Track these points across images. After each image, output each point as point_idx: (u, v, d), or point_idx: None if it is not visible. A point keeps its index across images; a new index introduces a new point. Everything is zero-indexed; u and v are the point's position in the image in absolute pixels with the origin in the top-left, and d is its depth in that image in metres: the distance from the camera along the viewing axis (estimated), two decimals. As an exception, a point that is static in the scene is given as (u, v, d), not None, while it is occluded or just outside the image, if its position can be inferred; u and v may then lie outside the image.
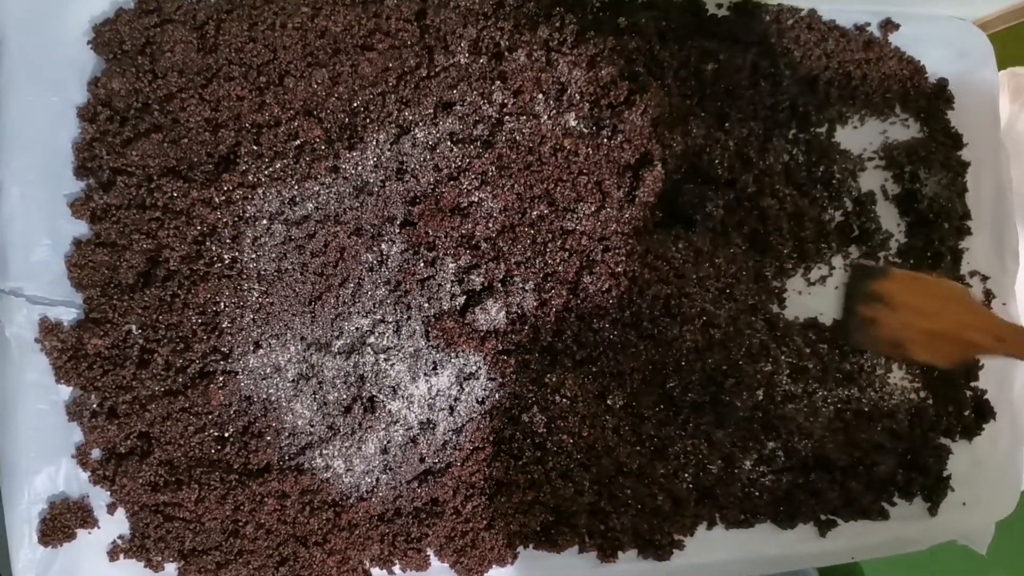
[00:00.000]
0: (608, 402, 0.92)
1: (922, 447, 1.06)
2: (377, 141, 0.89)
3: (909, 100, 1.15)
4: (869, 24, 1.14)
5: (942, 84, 1.17)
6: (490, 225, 0.90)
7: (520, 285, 0.90)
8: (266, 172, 0.86)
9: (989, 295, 1.15)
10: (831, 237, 1.08)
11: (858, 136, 1.13)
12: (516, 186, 0.91)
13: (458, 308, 0.89)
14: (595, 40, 0.97)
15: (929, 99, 1.16)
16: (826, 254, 1.08)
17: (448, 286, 0.89)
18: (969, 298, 0.87)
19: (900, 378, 1.08)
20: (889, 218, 1.12)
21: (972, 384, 1.12)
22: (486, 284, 0.90)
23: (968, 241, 1.14)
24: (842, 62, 1.10)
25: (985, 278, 1.15)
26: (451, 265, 0.89)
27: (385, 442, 0.87)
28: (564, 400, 0.91)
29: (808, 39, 1.09)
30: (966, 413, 1.11)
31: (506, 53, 0.93)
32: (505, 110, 0.92)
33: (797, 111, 1.07)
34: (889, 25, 1.14)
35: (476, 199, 0.90)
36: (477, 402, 0.90)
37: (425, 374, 0.88)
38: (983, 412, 1.12)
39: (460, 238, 0.90)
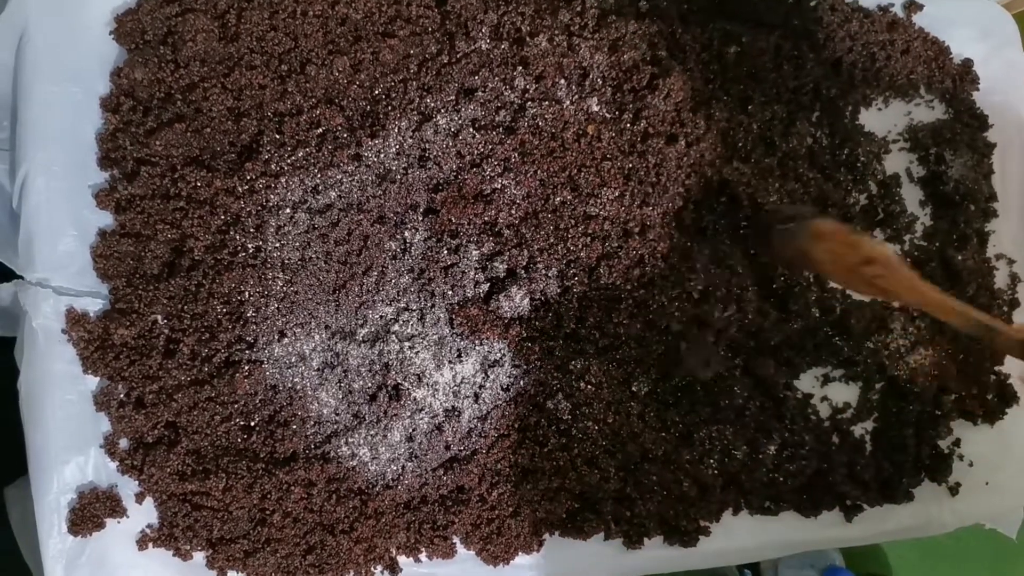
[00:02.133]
0: (633, 388, 0.92)
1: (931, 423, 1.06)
2: (399, 128, 0.88)
3: (934, 81, 1.14)
4: (893, 4, 1.13)
5: (967, 65, 1.15)
6: (513, 212, 0.90)
7: (543, 272, 0.90)
8: (289, 161, 0.86)
9: (1015, 279, 1.13)
10: (856, 220, 1.07)
11: (882, 118, 1.12)
12: (539, 172, 0.90)
13: (482, 295, 0.89)
14: (617, 24, 0.96)
15: (954, 80, 1.15)
16: (851, 238, 1.07)
17: (472, 273, 0.89)
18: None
19: (922, 357, 1.07)
20: (914, 200, 1.11)
21: (996, 368, 1.11)
22: (509, 271, 0.90)
23: (995, 223, 1.13)
24: (866, 44, 1.09)
25: (1012, 261, 1.14)
26: (474, 252, 0.89)
27: (410, 430, 0.87)
28: (589, 387, 0.90)
29: (831, 21, 1.07)
30: (989, 397, 1.10)
31: (527, 38, 0.92)
32: (527, 96, 0.92)
33: (821, 94, 1.06)
34: (913, 5, 1.13)
35: (499, 186, 0.90)
36: (502, 389, 0.89)
37: (450, 361, 0.88)
38: (1006, 397, 1.11)
39: (483, 225, 0.90)
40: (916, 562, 1.55)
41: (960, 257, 1.08)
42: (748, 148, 1.01)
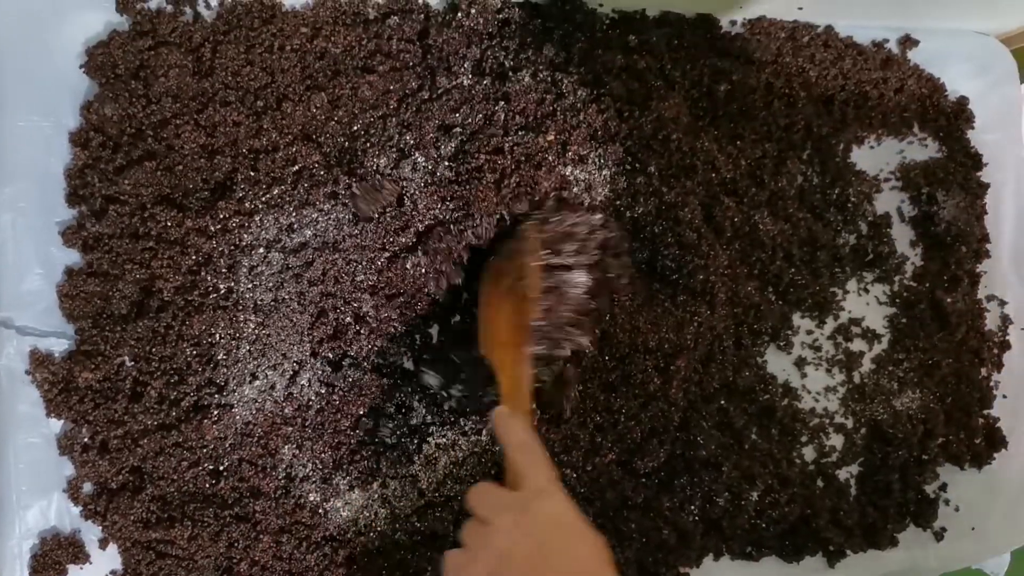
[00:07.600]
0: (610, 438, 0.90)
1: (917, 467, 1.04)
2: (377, 166, 0.86)
3: (928, 119, 1.12)
4: (887, 40, 1.10)
5: (962, 102, 1.13)
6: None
7: None
8: (263, 199, 0.83)
9: (1006, 321, 1.12)
10: (845, 261, 1.05)
11: (874, 156, 1.10)
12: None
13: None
14: (603, 59, 0.94)
15: (949, 118, 1.12)
16: (840, 278, 1.05)
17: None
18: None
19: (910, 400, 1.05)
20: (905, 240, 1.09)
21: (985, 412, 1.10)
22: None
23: (986, 264, 1.11)
24: (859, 81, 1.07)
25: (1003, 303, 1.12)
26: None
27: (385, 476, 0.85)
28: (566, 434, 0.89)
29: (824, 58, 1.05)
30: (977, 441, 1.09)
31: (510, 73, 0.90)
32: (507, 128, 0.89)
33: (812, 132, 1.04)
34: (908, 41, 1.11)
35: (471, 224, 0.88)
36: (479, 436, 0.87)
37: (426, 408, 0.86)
38: (994, 441, 1.09)
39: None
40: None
41: (950, 299, 1.06)
42: (736, 182, 0.99)
